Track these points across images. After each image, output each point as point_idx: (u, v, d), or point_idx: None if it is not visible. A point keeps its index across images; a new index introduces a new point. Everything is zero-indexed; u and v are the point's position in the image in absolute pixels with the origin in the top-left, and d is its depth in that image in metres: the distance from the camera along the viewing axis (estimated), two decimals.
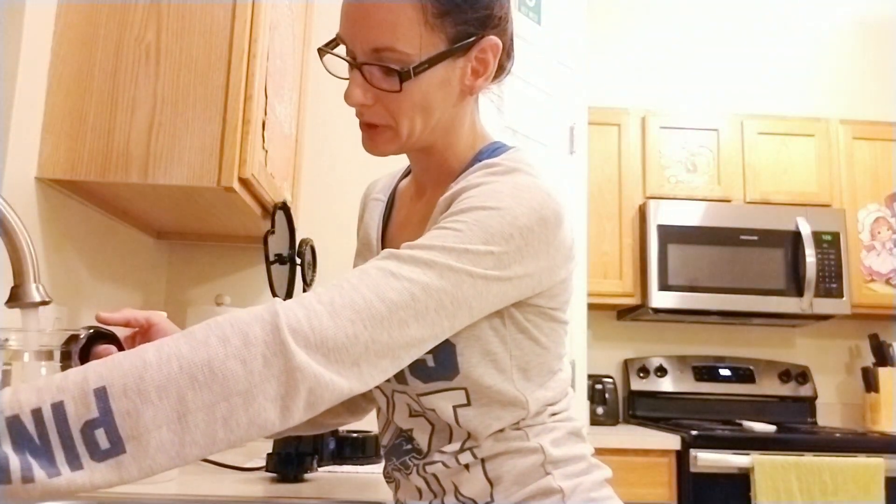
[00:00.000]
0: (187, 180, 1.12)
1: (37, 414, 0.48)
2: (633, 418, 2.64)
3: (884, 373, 2.59)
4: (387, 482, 0.84)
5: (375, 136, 0.74)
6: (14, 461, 0.47)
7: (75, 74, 1.13)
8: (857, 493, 2.00)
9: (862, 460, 2.04)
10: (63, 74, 1.13)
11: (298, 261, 1.39)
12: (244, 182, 1.18)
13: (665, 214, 2.49)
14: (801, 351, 2.82)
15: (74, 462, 0.48)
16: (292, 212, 1.43)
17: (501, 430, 0.72)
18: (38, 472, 0.47)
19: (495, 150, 0.78)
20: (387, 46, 0.69)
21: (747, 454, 2.05)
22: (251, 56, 1.18)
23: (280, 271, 1.34)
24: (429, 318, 0.61)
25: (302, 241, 1.44)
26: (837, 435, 2.18)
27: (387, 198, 0.87)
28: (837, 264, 2.48)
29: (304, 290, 1.44)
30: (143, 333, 0.78)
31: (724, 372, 2.68)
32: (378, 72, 0.70)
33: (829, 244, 2.49)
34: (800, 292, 2.45)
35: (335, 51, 0.77)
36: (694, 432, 2.10)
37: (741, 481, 2.05)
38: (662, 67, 3.01)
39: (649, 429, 2.38)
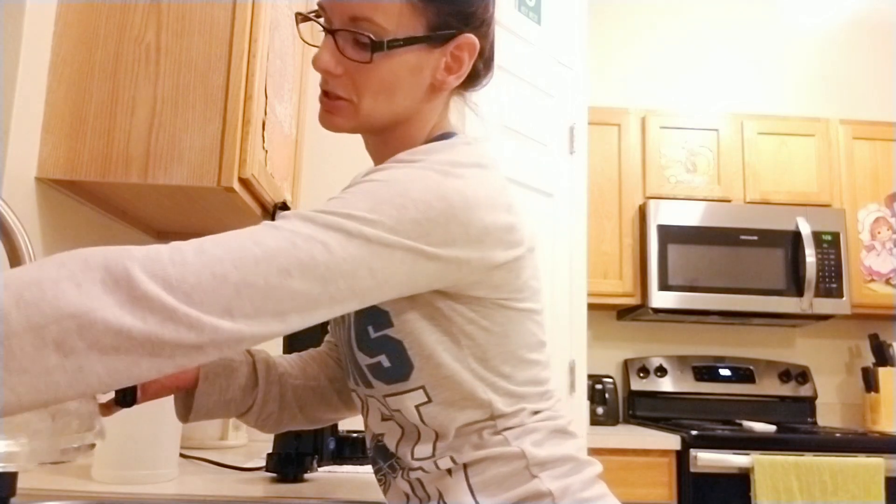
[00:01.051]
0: (187, 180, 1.12)
1: None
2: (633, 418, 2.64)
3: (884, 373, 2.59)
4: (378, 483, 0.84)
5: (334, 109, 0.72)
6: None
7: (75, 74, 1.13)
8: (858, 493, 2.00)
9: (862, 460, 2.04)
10: (63, 74, 1.13)
11: None
12: (244, 182, 1.18)
13: (665, 214, 2.49)
14: (801, 351, 2.82)
15: None
16: None
17: (480, 435, 0.71)
18: None
19: (438, 138, 0.75)
20: (365, 16, 0.68)
21: (747, 454, 2.05)
22: (251, 56, 1.18)
23: None
24: (318, 272, 0.56)
25: None
26: (837, 435, 2.18)
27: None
28: (837, 264, 2.49)
29: None
30: None
31: (724, 372, 2.68)
32: (351, 41, 0.69)
33: (829, 244, 2.49)
34: (800, 292, 2.45)
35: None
36: (694, 432, 2.10)
37: (741, 481, 2.05)
38: (662, 67, 3.02)
39: (649, 429, 2.38)
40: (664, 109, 2.80)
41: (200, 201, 1.26)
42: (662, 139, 2.64)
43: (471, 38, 0.72)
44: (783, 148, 2.64)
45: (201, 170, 1.12)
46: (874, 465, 2.03)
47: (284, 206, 1.38)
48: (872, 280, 2.56)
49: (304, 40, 0.77)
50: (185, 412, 0.80)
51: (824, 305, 2.46)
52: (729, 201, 2.59)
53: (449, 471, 0.71)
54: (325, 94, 0.72)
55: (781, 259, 2.47)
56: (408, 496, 0.76)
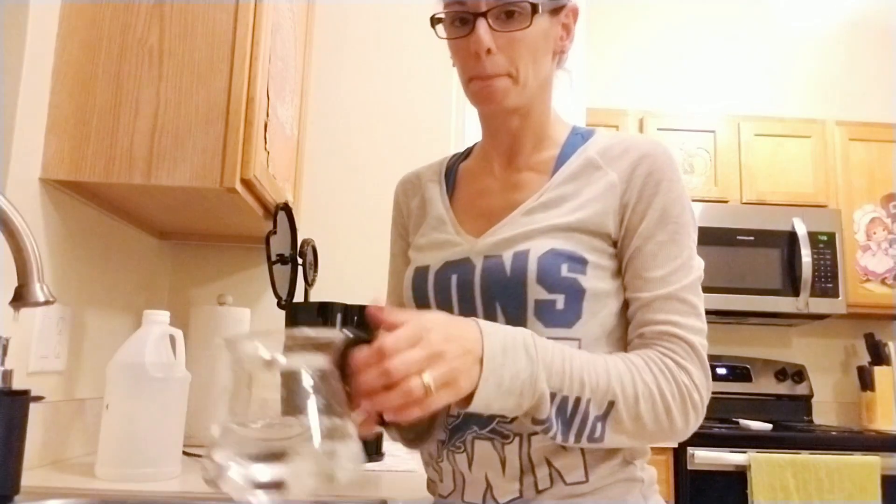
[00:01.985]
0: (190, 181, 1.13)
1: (575, 401, 0.66)
2: None
3: (879, 371, 2.61)
4: (433, 465, 0.80)
5: (494, 86, 0.77)
6: (553, 422, 0.66)
7: (79, 76, 1.14)
8: (854, 491, 2.02)
9: (858, 458, 2.06)
10: (67, 76, 1.14)
11: (300, 261, 1.40)
12: (246, 183, 1.19)
13: None
14: (798, 350, 2.84)
15: (576, 438, 0.67)
16: (294, 212, 1.44)
17: None
18: (559, 435, 0.67)
19: (590, 130, 0.86)
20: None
21: (744, 452, 2.06)
22: (253, 58, 1.19)
23: (282, 271, 1.35)
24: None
25: (303, 242, 1.45)
26: (833, 433, 2.19)
27: (442, 178, 0.90)
28: (833, 264, 2.50)
29: (306, 290, 1.45)
30: None
31: (721, 371, 2.70)
32: (503, 15, 0.75)
33: (825, 244, 2.51)
34: (796, 292, 2.47)
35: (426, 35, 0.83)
36: None
37: (738, 479, 2.06)
38: (660, 69, 3.03)
39: None
40: (662, 111, 2.82)
41: (203, 202, 1.27)
42: (660, 140, 2.65)
43: (575, 5, 0.80)
44: (780, 149, 2.65)
45: (204, 171, 1.13)
46: (870, 464, 2.04)
47: (286, 207, 1.39)
48: (868, 280, 2.58)
49: (440, 37, 0.81)
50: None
51: (820, 305, 2.48)
52: (726, 202, 2.60)
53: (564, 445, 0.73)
54: (482, 77, 0.77)
55: (778, 259, 2.49)
56: (504, 463, 0.74)
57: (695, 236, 0.77)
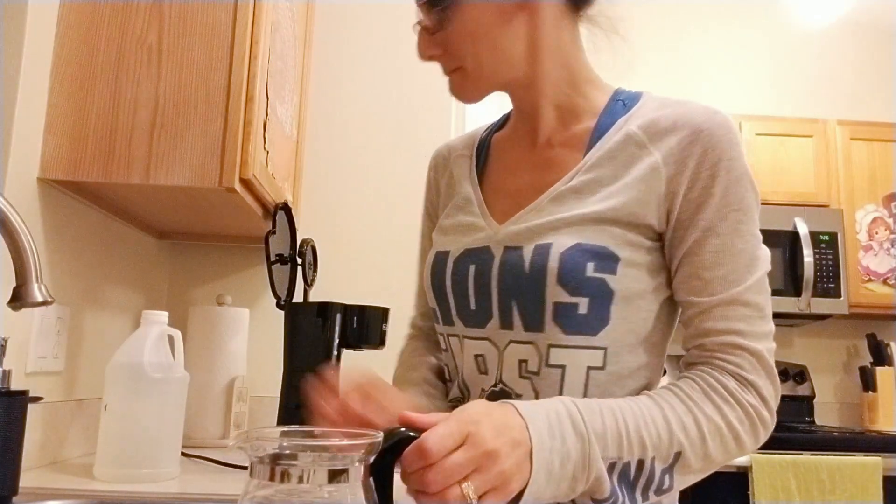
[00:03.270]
0: (189, 181, 1.12)
1: (638, 463, 0.61)
2: None
3: (881, 372, 2.60)
4: None
5: (451, 82, 0.73)
6: (617, 493, 0.60)
7: (77, 75, 1.13)
8: (855, 492, 2.01)
9: (860, 459, 2.05)
10: (65, 75, 1.13)
11: (299, 261, 1.40)
12: (245, 183, 1.19)
13: None
14: (799, 350, 2.83)
15: (643, 497, 0.62)
16: (293, 212, 1.43)
17: None
18: (626, 502, 0.61)
19: (637, 94, 0.75)
20: None
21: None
22: (252, 57, 1.19)
23: (281, 271, 1.34)
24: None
25: (303, 242, 1.44)
26: (835, 434, 2.19)
27: (474, 152, 0.82)
28: (835, 264, 2.49)
29: (306, 290, 1.45)
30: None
31: None
32: (434, 18, 0.70)
33: (827, 244, 2.50)
34: (797, 292, 2.46)
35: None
36: None
37: (739, 480, 2.05)
38: (661, 69, 3.02)
39: None
40: None
41: (202, 202, 1.26)
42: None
43: None
44: (781, 149, 2.65)
45: (203, 170, 1.13)
46: (872, 464, 2.04)
47: (285, 207, 1.39)
48: (870, 280, 2.57)
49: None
50: None
51: (822, 305, 2.47)
52: None
53: None
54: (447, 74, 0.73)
55: (779, 259, 2.48)
56: None
57: (758, 221, 0.67)
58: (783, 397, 2.67)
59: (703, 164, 0.66)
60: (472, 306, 0.72)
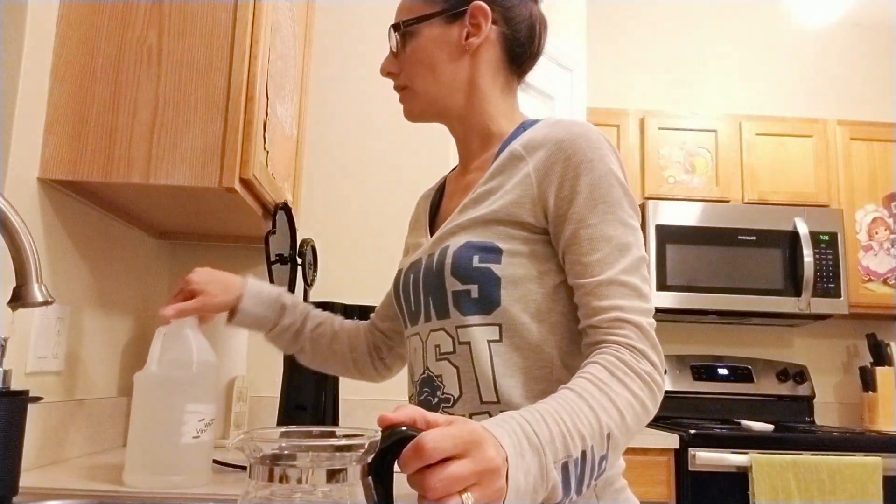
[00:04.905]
0: (189, 181, 1.12)
1: (582, 455, 0.64)
2: None
3: (881, 372, 2.60)
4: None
5: (402, 99, 0.90)
6: (572, 489, 0.63)
7: (77, 75, 1.13)
8: (855, 492, 2.01)
9: (860, 459, 2.05)
10: (65, 75, 1.13)
11: (299, 261, 1.40)
12: (245, 183, 1.19)
13: (663, 215, 2.50)
14: (799, 350, 2.83)
15: (590, 483, 0.65)
16: (293, 212, 1.43)
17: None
18: (581, 492, 0.65)
19: (537, 120, 0.87)
20: (400, 19, 0.88)
21: (745, 453, 2.06)
22: (252, 57, 1.19)
23: (281, 271, 1.34)
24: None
25: (303, 242, 1.44)
26: (835, 434, 2.19)
27: (435, 192, 0.99)
28: (835, 264, 2.49)
29: (306, 290, 1.45)
30: None
31: (723, 371, 2.69)
32: (395, 42, 0.89)
33: (827, 244, 2.50)
34: (798, 292, 2.46)
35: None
36: (692, 431, 2.10)
37: (739, 480, 2.05)
38: (661, 69, 3.02)
39: (648, 427, 2.38)
40: (662, 110, 2.81)
41: (202, 202, 1.26)
42: (661, 140, 2.64)
43: (479, 4, 0.86)
44: (781, 149, 2.65)
45: (203, 170, 1.13)
46: (872, 464, 2.04)
47: (285, 207, 1.39)
48: (870, 280, 2.57)
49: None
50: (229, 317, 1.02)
51: (822, 305, 2.47)
52: (727, 202, 2.59)
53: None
54: (398, 92, 0.90)
55: (779, 259, 2.48)
56: None
57: (632, 212, 0.77)
58: (783, 397, 2.68)
59: (567, 168, 0.77)
60: (413, 307, 0.87)
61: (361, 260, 1.76)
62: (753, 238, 2.49)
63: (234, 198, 1.20)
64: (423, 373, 0.84)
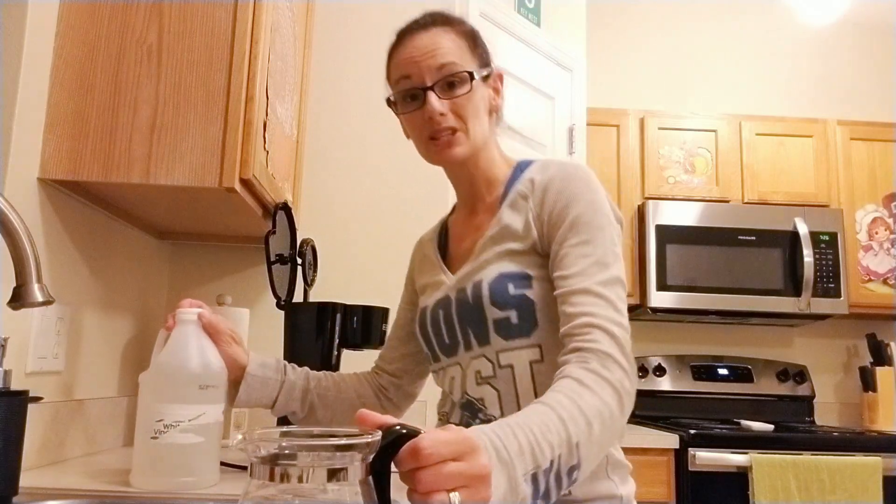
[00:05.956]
0: (189, 181, 1.12)
1: (549, 465, 0.65)
2: (632, 417, 2.64)
3: (881, 372, 2.60)
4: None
5: (454, 141, 0.92)
6: (528, 500, 0.63)
7: (77, 75, 1.13)
8: (855, 492, 2.01)
9: (860, 459, 2.05)
10: (65, 75, 1.13)
11: (299, 261, 1.40)
12: (245, 183, 1.19)
13: (663, 215, 2.50)
14: (799, 350, 2.83)
15: (559, 491, 0.66)
16: (293, 212, 1.43)
17: None
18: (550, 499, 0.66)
19: (530, 162, 0.97)
20: (451, 62, 0.91)
21: (745, 453, 2.06)
22: (252, 57, 1.19)
23: (281, 271, 1.34)
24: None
25: (303, 242, 1.44)
26: (835, 434, 2.19)
27: (438, 235, 1.07)
28: (835, 264, 2.49)
29: (305, 291, 1.45)
30: None
31: (723, 371, 2.69)
32: (447, 86, 0.91)
33: (827, 244, 2.50)
34: (798, 292, 2.46)
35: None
36: (692, 431, 2.10)
37: (739, 480, 2.05)
38: (661, 69, 3.02)
39: (648, 428, 2.38)
40: (663, 110, 2.81)
41: (202, 202, 1.26)
42: (661, 140, 2.64)
43: (501, 69, 0.98)
44: (781, 149, 2.65)
45: (203, 170, 1.13)
46: (872, 464, 2.04)
47: (285, 207, 1.39)
48: (870, 280, 2.57)
49: (398, 115, 1.00)
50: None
51: (822, 305, 2.47)
52: (727, 202, 2.59)
53: None
54: (437, 135, 0.92)
55: (779, 259, 2.48)
56: None
57: (616, 240, 0.84)
58: (783, 397, 2.68)
59: (557, 202, 0.87)
60: (447, 340, 0.94)
61: (361, 260, 1.76)
62: (753, 238, 2.49)
63: (234, 198, 1.20)
64: (462, 398, 0.91)
